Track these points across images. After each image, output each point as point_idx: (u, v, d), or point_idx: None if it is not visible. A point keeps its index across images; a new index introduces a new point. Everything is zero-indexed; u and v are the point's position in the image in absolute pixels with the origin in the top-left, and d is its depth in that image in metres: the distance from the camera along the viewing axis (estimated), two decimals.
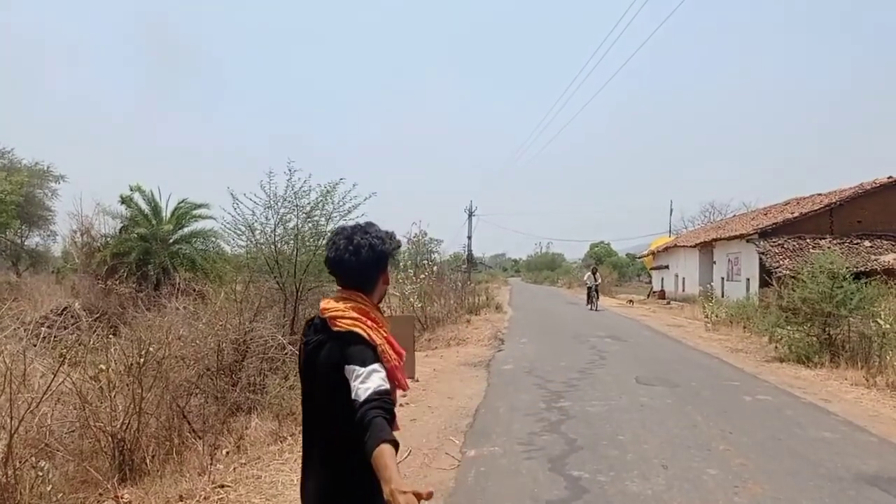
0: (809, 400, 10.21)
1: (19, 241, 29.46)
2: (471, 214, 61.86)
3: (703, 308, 24.80)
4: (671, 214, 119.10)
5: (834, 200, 27.88)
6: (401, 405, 9.20)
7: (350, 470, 2.36)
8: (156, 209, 24.73)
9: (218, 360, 8.98)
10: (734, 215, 47.16)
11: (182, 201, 25.19)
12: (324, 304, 2.49)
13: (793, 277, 15.34)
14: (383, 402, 2.21)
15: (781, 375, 12.44)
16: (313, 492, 2.45)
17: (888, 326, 12.76)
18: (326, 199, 12.89)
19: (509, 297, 40.72)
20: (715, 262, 33.89)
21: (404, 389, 2.46)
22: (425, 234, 27.87)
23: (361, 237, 2.49)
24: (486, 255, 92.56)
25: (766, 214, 33.22)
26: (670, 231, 62.32)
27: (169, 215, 25.03)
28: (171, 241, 24.73)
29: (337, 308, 2.43)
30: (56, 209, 29.66)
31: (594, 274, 31.67)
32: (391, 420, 2.23)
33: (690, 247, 37.68)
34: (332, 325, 2.40)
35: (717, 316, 22.66)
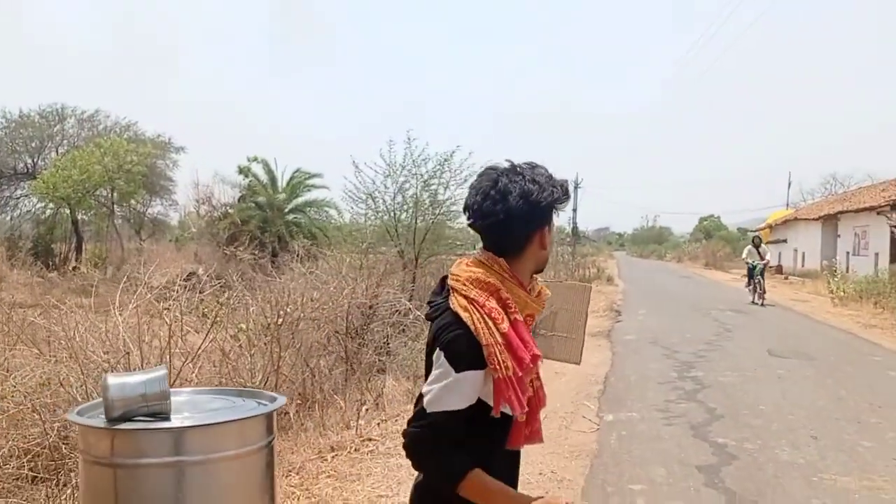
0: None
1: (142, 209, 30.97)
2: (576, 186, 60.99)
3: (827, 283, 23.63)
4: (789, 187, 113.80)
5: None
6: None
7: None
8: (273, 179, 25.53)
9: (347, 323, 9.21)
10: (859, 187, 44.61)
11: (296, 171, 25.89)
12: (454, 266, 1.91)
13: None
14: (432, 428, 1.72)
15: None
16: (413, 489, 1.96)
17: None
18: (444, 167, 12.94)
19: (618, 270, 40.00)
20: (839, 236, 32.19)
21: (515, 412, 1.78)
22: None
23: (510, 180, 1.79)
24: (589, 229, 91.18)
25: None
26: (788, 204, 59.68)
27: (284, 185, 25.81)
28: (286, 210, 25.51)
29: (459, 277, 1.81)
30: (176, 179, 30.98)
31: (757, 249, 20.67)
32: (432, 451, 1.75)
33: (812, 220, 35.93)
34: (450, 295, 1.81)
35: (843, 291, 21.54)
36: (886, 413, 7.28)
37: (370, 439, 5.88)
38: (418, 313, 9.41)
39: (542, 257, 1.89)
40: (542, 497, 1.82)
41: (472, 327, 1.70)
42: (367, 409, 6.85)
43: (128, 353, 5.45)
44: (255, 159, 25.18)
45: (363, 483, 4.91)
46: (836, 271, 26.61)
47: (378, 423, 6.33)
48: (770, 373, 9.33)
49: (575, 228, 58.50)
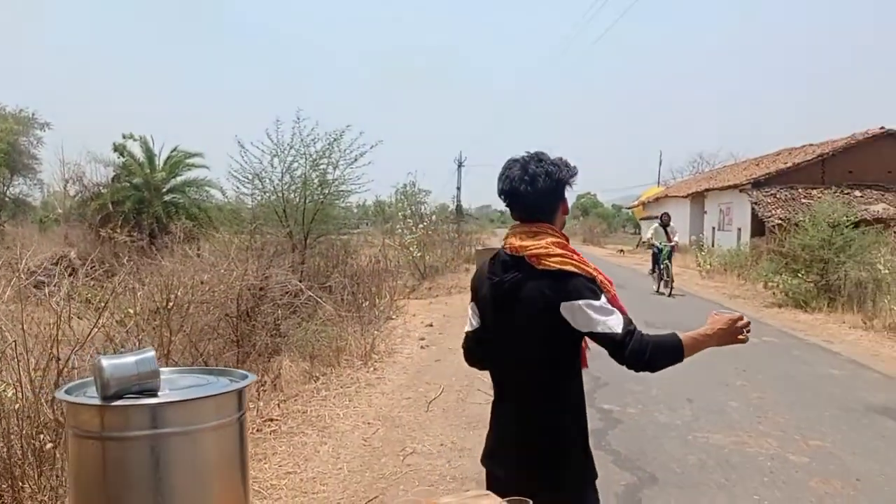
0: (813, 341, 10.54)
1: (2, 189, 29.06)
2: (460, 165, 61.78)
3: (696, 257, 25.14)
4: (660, 165, 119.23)
5: (826, 151, 28.13)
6: (421, 348, 9.42)
7: (552, 407, 2.29)
8: (150, 158, 24.53)
9: (238, 305, 9.12)
10: (723, 166, 47.40)
11: (175, 149, 25.00)
12: (515, 241, 2.30)
13: (795, 225, 15.64)
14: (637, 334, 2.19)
15: (782, 320, 12.78)
16: (515, 435, 2.34)
17: (886, 272, 13.09)
18: (333, 147, 12.89)
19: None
20: (706, 212, 34.23)
21: (624, 314, 2.24)
22: (414, 184, 27.93)
23: (536, 166, 2.30)
24: (472, 207, 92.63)
25: (758, 165, 33.47)
26: (659, 181, 62.58)
27: (162, 164, 24.85)
28: (164, 190, 24.61)
29: (538, 246, 2.24)
30: (42, 157, 29.19)
31: (665, 228, 17.48)
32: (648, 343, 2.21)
33: (682, 197, 37.97)
34: (536, 263, 2.23)
35: (709, 265, 23.01)
36: (749, 376, 7.96)
37: (271, 419, 5.93)
38: (310, 293, 9.44)
39: (563, 221, 2.41)
40: (716, 317, 2.27)
41: (581, 271, 2.20)
42: (265, 391, 6.87)
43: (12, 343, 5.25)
44: (131, 137, 24.10)
45: (269, 462, 4.98)
46: (703, 246, 28.34)
47: (278, 404, 6.37)
48: None
49: (459, 206, 59.22)
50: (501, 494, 2.14)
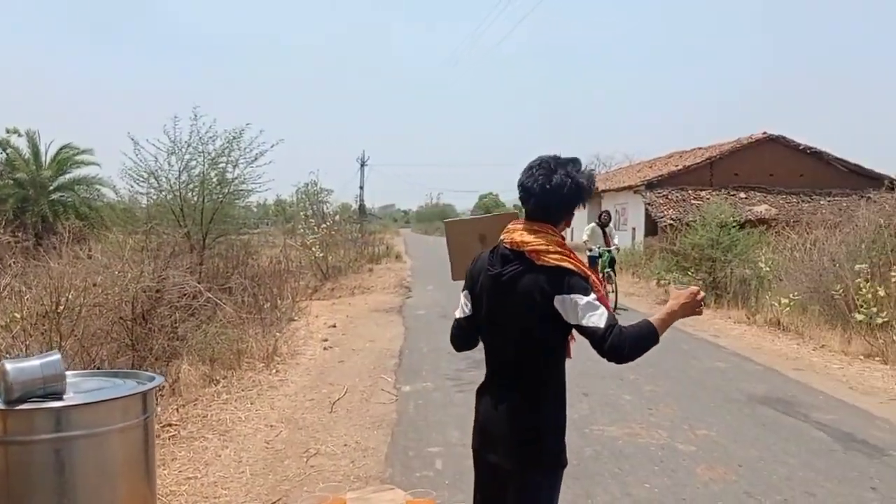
0: (701, 336, 11.09)
1: None
2: (363, 164, 61.50)
3: None
4: None
5: (714, 154, 29.53)
6: (324, 349, 9.39)
7: (538, 390, 2.51)
8: (36, 154, 23.36)
9: (133, 308, 8.85)
10: (619, 167, 49.04)
11: (64, 146, 23.90)
12: (516, 236, 2.49)
13: (686, 225, 16.39)
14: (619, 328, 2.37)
15: None
16: (504, 413, 2.52)
17: (768, 270, 13.89)
18: (232, 146, 12.66)
19: (405, 247, 41.04)
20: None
21: (610, 312, 2.42)
22: (316, 183, 27.69)
23: (565, 172, 2.47)
24: (375, 206, 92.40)
25: (651, 167, 34.79)
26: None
27: (50, 161, 23.72)
28: (51, 188, 23.49)
29: (538, 242, 2.44)
30: None
31: (604, 229, 14.77)
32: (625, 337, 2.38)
33: None
34: (535, 258, 2.42)
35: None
36: (642, 370, 8.29)
37: (170, 425, 5.80)
38: (209, 295, 9.24)
39: (564, 227, 2.57)
40: (678, 292, 2.51)
41: (576, 269, 2.41)
42: (163, 396, 6.70)
43: None
44: (16, 131, 22.88)
45: (169, 468, 4.88)
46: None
47: (177, 409, 6.24)
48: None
49: (362, 206, 58.97)
50: (492, 476, 2.59)
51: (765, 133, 29.40)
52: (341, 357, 8.95)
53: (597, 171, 62.76)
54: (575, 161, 2.53)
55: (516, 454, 2.48)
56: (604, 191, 34.58)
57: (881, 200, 14.19)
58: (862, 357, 9.29)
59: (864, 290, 10.03)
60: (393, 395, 7.08)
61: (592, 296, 2.38)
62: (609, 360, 2.40)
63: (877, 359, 9.14)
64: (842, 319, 10.76)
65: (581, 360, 9.05)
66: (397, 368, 8.34)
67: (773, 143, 29.45)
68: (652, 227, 27.01)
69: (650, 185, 28.40)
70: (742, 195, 27.73)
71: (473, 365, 8.51)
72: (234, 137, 12.55)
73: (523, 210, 2.62)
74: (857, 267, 10.77)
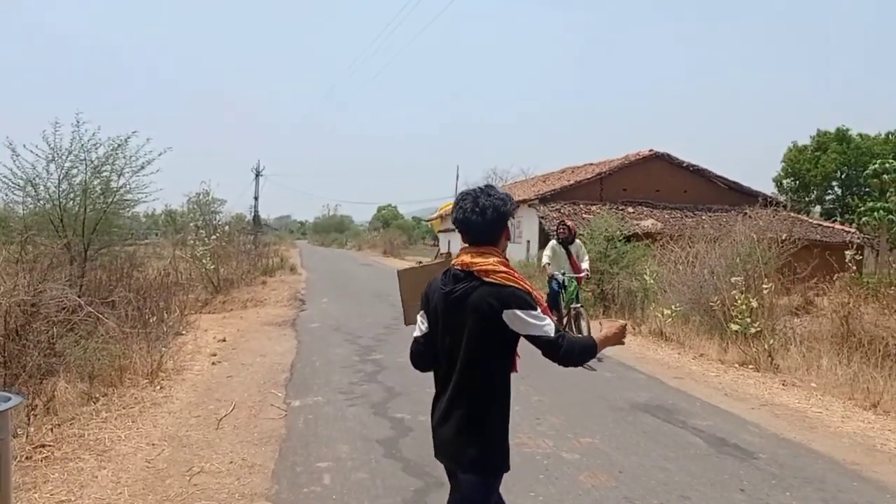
0: None
1: None
2: (258, 174, 60.29)
3: None
4: (457, 179, 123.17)
5: (604, 170, 30.56)
6: (213, 364, 9.14)
7: (487, 401, 2.77)
8: None
9: (6, 323, 8.37)
10: (515, 181, 50.03)
11: None
12: (465, 258, 2.80)
13: (579, 236, 16.85)
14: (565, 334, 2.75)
15: None
16: (454, 422, 2.79)
17: (652, 282, 14.46)
18: (117, 154, 12.21)
19: (300, 259, 40.48)
20: None
21: (554, 322, 2.77)
22: (208, 193, 26.99)
23: (486, 199, 2.81)
24: (271, 217, 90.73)
25: (544, 181, 35.67)
26: (455, 195, 64.58)
27: None
28: None
29: (486, 263, 2.76)
30: None
31: (567, 247, 11.14)
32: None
33: None
34: (484, 276, 2.73)
35: None
36: (531, 381, 8.46)
37: (43, 446, 5.50)
38: (90, 309, 8.85)
39: (506, 244, 2.89)
40: (610, 325, 2.92)
41: (520, 286, 2.72)
42: (36, 415, 6.35)
43: None
44: None
45: (40, 491, 4.63)
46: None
47: (51, 428, 5.92)
48: None
49: (256, 217, 57.77)
50: (451, 476, 2.88)
51: (651, 150, 30.69)
52: (230, 372, 8.72)
53: (494, 185, 63.90)
54: (490, 187, 2.90)
55: (464, 460, 2.76)
56: None
57: (756, 216, 15.07)
58: (737, 365, 9.81)
59: (739, 301, 10.60)
60: (282, 410, 6.95)
61: (538, 310, 2.71)
62: (560, 363, 2.74)
63: (750, 366, 9.66)
64: (719, 329, 11.32)
65: None
66: (288, 383, 8.20)
67: (659, 161, 30.78)
68: (545, 240, 27.65)
69: (543, 200, 29.10)
70: (630, 209, 28.79)
71: (366, 378, 8.50)
72: (119, 145, 12.12)
73: (463, 237, 2.89)
74: (732, 279, 11.38)
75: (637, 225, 26.48)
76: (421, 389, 7.93)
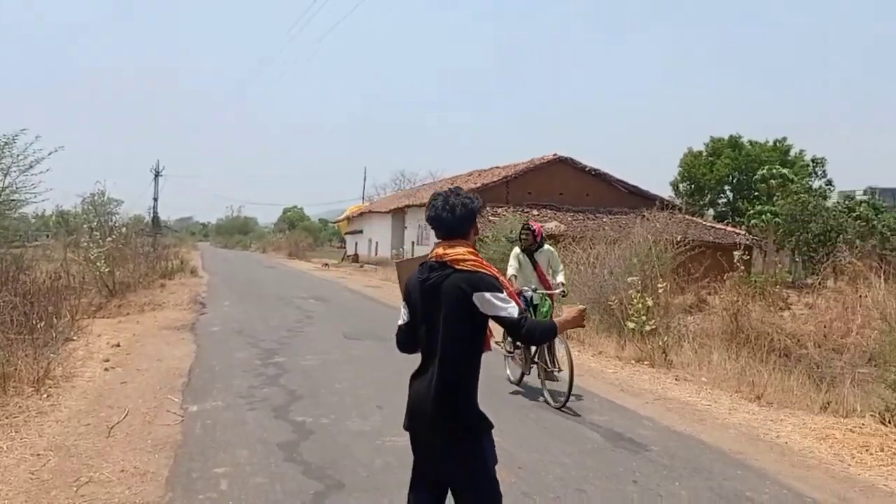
0: (497, 349, 11.55)
1: None
2: (157, 174, 58.34)
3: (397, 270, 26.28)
4: (365, 181, 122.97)
5: (510, 173, 31.08)
6: (105, 370, 8.78)
7: (461, 372, 3.07)
8: None
9: None
10: (424, 184, 50.18)
11: None
12: (439, 250, 3.12)
13: (479, 240, 17.06)
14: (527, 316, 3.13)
15: None
16: (433, 395, 3.05)
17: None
18: (3, 152, 11.63)
19: (202, 261, 39.37)
20: (406, 227, 35.95)
21: (519, 304, 3.09)
22: (103, 193, 25.97)
23: (454, 199, 3.14)
24: (171, 219, 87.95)
25: (452, 184, 35.84)
26: (363, 198, 64.37)
27: None
28: None
29: (456, 253, 3.08)
30: None
31: (531, 256, 8.58)
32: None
33: (384, 212, 39.47)
34: (455, 265, 3.06)
35: None
36: None
37: None
38: None
39: (475, 238, 3.22)
40: (570, 310, 3.27)
41: (488, 272, 3.06)
42: None
43: None
44: None
45: None
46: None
47: None
48: (345, 354, 10.25)
49: (156, 218, 55.86)
50: (422, 445, 3.15)
51: (555, 155, 31.37)
52: (124, 378, 8.39)
53: (401, 187, 63.95)
54: (458, 188, 3.22)
55: (446, 429, 3.05)
56: (407, 206, 35.24)
57: (653, 219, 15.63)
58: (633, 361, 10.14)
59: (635, 300, 10.95)
60: (179, 416, 6.73)
61: (504, 293, 3.03)
62: (523, 342, 3.53)
63: (645, 363, 10.01)
64: (618, 327, 11.69)
65: (385, 372, 9.10)
66: (185, 388, 7.94)
67: (563, 165, 31.52)
68: None
69: None
70: (535, 212, 29.35)
71: (268, 382, 8.34)
72: (7, 143, 11.54)
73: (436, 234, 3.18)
74: (629, 279, 11.75)
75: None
76: (327, 391, 7.87)
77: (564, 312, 3.26)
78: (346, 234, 51.61)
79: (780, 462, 5.93)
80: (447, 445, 3.07)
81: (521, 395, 8.04)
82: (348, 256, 46.65)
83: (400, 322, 3.30)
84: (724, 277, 14.86)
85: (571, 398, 7.45)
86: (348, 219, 50.14)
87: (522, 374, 8.53)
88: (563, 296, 8.57)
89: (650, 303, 10.93)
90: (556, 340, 7.87)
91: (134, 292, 18.84)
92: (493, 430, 3.14)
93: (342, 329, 12.82)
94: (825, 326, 13.14)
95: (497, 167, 34.22)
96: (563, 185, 31.23)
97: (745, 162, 45.16)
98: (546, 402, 7.72)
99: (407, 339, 3.29)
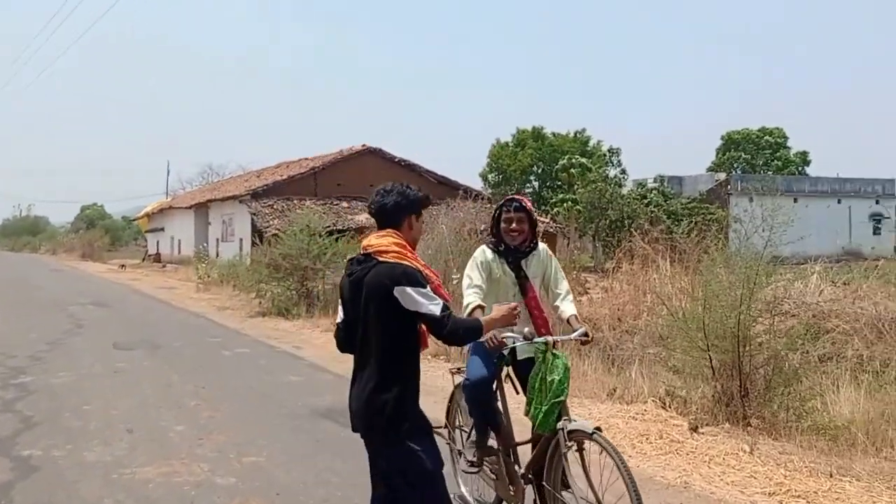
0: (283, 348, 10.88)
1: None
2: None
3: (196, 269, 24.71)
4: (168, 175, 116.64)
5: (318, 165, 30.18)
6: None
7: (395, 370, 2.91)
8: None
9: None
10: (231, 177, 48.01)
11: None
12: (365, 241, 3.04)
13: (276, 235, 16.18)
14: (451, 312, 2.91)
15: (262, 329, 13.03)
16: (366, 395, 2.91)
17: None
18: None
19: None
20: (210, 224, 34.07)
21: (446, 300, 2.92)
22: None
23: (392, 190, 3.06)
24: None
25: (259, 177, 34.49)
26: (167, 192, 60.90)
27: None
28: None
29: (380, 244, 2.96)
30: None
31: (514, 265, 4.15)
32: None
33: (186, 208, 37.23)
34: (379, 256, 2.92)
35: (208, 276, 22.79)
36: (207, 394, 7.69)
37: None
38: None
39: (412, 235, 3.08)
40: (499, 307, 3.18)
41: (411, 265, 2.91)
42: None
43: None
44: None
45: None
46: (204, 257, 28.03)
47: None
48: (108, 367, 9.10)
49: None
50: (367, 445, 3.05)
51: (364, 145, 30.84)
52: None
53: (209, 181, 60.90)
54: (402, 184, 3.11)
55: (380, 429, 2.91)
56: (210, 201, 33.44)
57: (457, 209, 15.49)
58: (430, 357, 9.77)
59: None
60: None
61: (428, 288, 2.86)
62: (446, 342, 3.04)
63: (441, 357, 9.67)
64: None
65: (150, 387, 8.03)
66: None
67: (373, 155, 31.02)
68: (259, 238, 26.64)
69: (256, 195, 28.04)
70: (345, 204, 28.68)
71: (1, 407, 7.11)
72: None
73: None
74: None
75: (352, 220, 26.38)
76: (72, 414, 6.82)
77: (494, 310, 3.17)
78: (147, 231, 48.36)
79: None
80: (382, 446, 2.96)
81: (299, 404, 7.36)
82: (149, 256, 43.68)
83: (338, 320, 3.16)
84: None
85: None
86: (148, 216, 46.95)
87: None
88: (585, 343, 4.10)
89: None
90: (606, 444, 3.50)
91: None
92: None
93: (114, 338, 11.51)
94: (619, 309, 13.54)
95: (305, 158, 33.15)
96: (374, 176, 30.49)
97: (548, 152, 47.00)
98: None
99: (345, 337, 3.13)
